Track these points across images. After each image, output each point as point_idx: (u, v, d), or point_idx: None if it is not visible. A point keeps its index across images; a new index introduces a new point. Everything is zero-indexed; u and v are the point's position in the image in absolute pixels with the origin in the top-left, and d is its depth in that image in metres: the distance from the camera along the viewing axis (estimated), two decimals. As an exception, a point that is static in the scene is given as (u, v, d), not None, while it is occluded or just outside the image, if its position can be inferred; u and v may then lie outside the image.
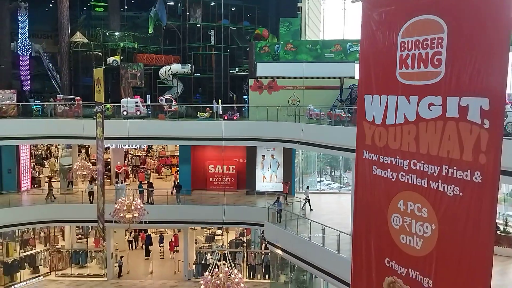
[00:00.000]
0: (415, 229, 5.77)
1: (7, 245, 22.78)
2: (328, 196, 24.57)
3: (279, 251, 18.75)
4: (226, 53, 29.87)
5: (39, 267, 23.57)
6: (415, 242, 5.78)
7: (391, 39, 5.95)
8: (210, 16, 31.58)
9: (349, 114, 19.78)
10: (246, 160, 25.47)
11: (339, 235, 15.76)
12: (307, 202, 21.01)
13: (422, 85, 5.57)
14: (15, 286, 22.34)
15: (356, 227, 6.92)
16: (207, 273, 10.59)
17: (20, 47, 33.45)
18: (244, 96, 29.20)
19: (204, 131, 23.41)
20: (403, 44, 5.80)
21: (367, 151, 6.50)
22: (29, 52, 34.25)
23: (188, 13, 30.77)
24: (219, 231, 25.83)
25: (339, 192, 25.29)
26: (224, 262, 10.77)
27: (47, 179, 24.74)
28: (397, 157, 5.96)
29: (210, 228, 25.81)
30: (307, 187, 22.19)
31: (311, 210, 21.05)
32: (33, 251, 23.53)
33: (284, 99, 23.83)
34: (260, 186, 24.84)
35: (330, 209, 22.04)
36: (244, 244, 24.66)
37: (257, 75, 25.05)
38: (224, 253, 10.74)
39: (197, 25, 31.32)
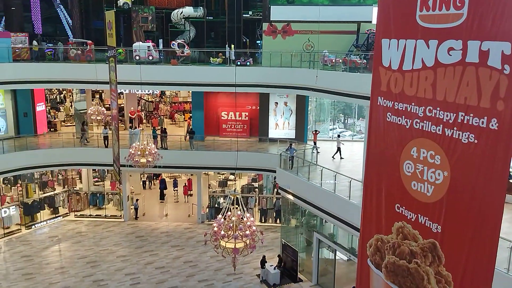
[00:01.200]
0: (426, 176, 5.79)
1: (26, 187, 23.56)
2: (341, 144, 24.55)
3: (290, 197, 19.09)
4: (239, -5, 28.91)
5: (59, 208, 24.47)
6: (426, 188, 5.82)
7: (413, -21, 5.67)
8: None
9: (365, 60, 19.31)
10: (258, 107, 25.37)
11: (350, 182, 15.90)
12: (338, 151, 21.15)
13: (443, 28, 5.36)
14: (36, 225, 23.33)
15: (368, 173, 6.95)
16: (220, 216, 10.87)
17: (30, -12, 32.84)
18: (258, 41, 28.58)
19: (217, 77, 23.18)
20: (425, -16, 5.52)
21: (382, 98, 6.40)
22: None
23: (200, -48, 29.53)
24: (231, 177, 26.29)
25: (352, 139, 25.24)
26: (237, 206, 11.02)
27: (81, 124, 24.80)
28: (412, 104, 5.86)
29: (223, 174, 26.27)
30: (338, 136, 22.25)
31: (341, 158, 21.17)
32: (52, 193, 24.33)
33: (298, 44, 23.29)
34: (273, 133, 24.88)
35: (343, 157, 22.10)
36: (256, 189, 25.14)
37: (271, 19, 24.36)
38: (237, 197, 10.96)
39: (210, -34, 30.14)
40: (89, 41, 25.22)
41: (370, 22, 23.39)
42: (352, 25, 23.25)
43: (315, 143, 22.01)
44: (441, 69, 5.41)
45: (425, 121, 5.72)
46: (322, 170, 17.49)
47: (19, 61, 23.10)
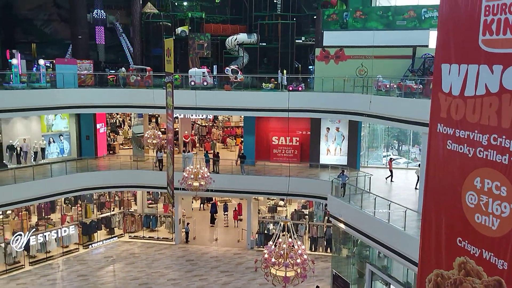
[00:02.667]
0: (491, 208, 5.43)
1: (85, 207, 24.61)
2: (395, 171, 23.71)
3: (342, 225, 18.58)
4: (292, 21, 29.29)
5: (114, 228, 25.28)
6: (491, 222, 5.44)
7: (475, 3, 5.47)
8: (277, -16, 31.05)
9: (421, 86, 18.74)
10: (310, 132, 25.22)
11: (405, 211, 15.26)
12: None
13: (508, 53, 5.09)
14: (93, 245, 24.19)
15: (427, 204, 6.62)
16: (270, 242, 10.72)
17: (95, 18, 35.06)
18: (310, 67, 28.67)
19: (269, 102, 23.37)
20: (487, 8, 5.31)
21: (442, 125, 6.13)
22: (104, 24, 35.85)
23: (255, -19, 30.41)
24: (281, 202, 26.09)
25: (407, 167, 24.37)
26: (287, 233, 10.83)
27: (154, 150, 25.67)
28: (476, 131, 5.56)
29: (273, 199, 26.13)
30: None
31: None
32: (109, 214, 25.22)
33: (351, 69, 23.08)
34: (324, 159, 24.55)
35: (396, 185, 21.36)
36: (307, 216, 24.73)
37: (323, 45, 24.39)
38: (288, 224, 10.79)
39: (263, -7, 30.93)
40: (148, 68, 26.38)
41: (427, 46, 22.81)
42: (407, 49, 22.78)
43: (391, 171, 21.49)
44: (507, 95, 5.12)
45: (489, 150, 5.39)
46: (375, 198, 16.93)
47: (84, 86, 24.51)
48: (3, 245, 20.83)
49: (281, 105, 22.72)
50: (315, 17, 28.71)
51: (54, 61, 25.56)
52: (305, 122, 25.04)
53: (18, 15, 41.08)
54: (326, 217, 22.99)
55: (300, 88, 23.66)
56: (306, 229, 23.88)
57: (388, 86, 20.32)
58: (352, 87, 21.88)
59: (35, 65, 26.37)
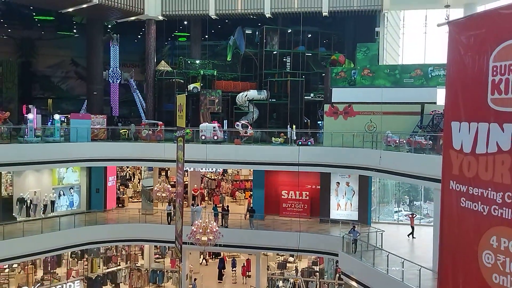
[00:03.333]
0: (509, 268, 5.30)
1: (91, 261, 24.25)
2: (407, 227, 23.31)
3: (353, 283, 18.02)
4: (301, 79, 30.07)
5: (120, 284, 24.72)
6: (510, 282, 5.29)
7: (482, 63, 5.64)
8: (286, 43, 32.16)
9: (430, 142, 18.83)
10: (320, 187, 25.11)
11: (420, 270, 14.83)
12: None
13: (518, 112, 5.18)
14: (98, 300, 23.58)
15: (442, 263, 6.47)
16: (280, 301, 10.42)
17: (111, 75, 36.32)
18: (319, 122, 29.04)
19: (278, 156, 23.53)
20: (495, 69, 5.47)
21: (455, 182, 6.13)
22: (118, 80, 37.07)
23: (265, 40, 31.57)
24: (291, 258, 25.50)
25: (419, 223, 23.93)
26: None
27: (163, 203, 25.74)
28: (489, 189, 5.54)
29: (283, 255, 25.57)
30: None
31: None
32: (115, 268, 24.78)
33: (360, 125, 23.33)
34: (334, 214, 24.27)
35: (410, 242, 20.91)
36: (317, 273, 24.07)
37: (332, 101, 24.87)
38: (298, 282, 10.52)
39: (274, 52, 31.98)
40: (160, 122, 26.92)
41: (435, 103, 23.15)
42: (416, 106, 23.10)
43: (412, 228, 21.12)
44: (519, 153, 5.14)
45: (504, 208, 5.34)
46: (388, 255, 16.53)
47: (96, 140, 24.97)
48: (6, 300, 20.41)
49: (291, 159, 22.86)
50: (323, 74, 29.50)
51: (69, 116, 26.22)
52: (315, 176, 25.01)
53: (37, 72, 42.78)
54: (338, 274, 22.35)
55: (309, 143, 23.86)
56: (316, 287, 23.14)
57: (397, 141, 20.43)
58: (361, 142, 22.02)
59: (50, 120, 27.09)
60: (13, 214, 23.04)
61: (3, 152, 20.57)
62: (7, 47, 40.48)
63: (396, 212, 25.06)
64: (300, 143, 23.70)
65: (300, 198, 25.49)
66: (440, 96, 23.19)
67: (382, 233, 19.54)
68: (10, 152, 20.89)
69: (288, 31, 32.25)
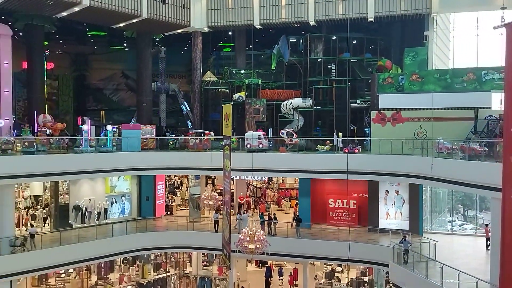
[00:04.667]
0: None
1: (142, 267, 24.91)
2: (462, 238, 22.37)
3: (405, 295, 17.44)
4: (347, 86, 29.70)
5: (169, 290, 25.25)
6: None
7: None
8: (331, 50, 31.92)
9: (486, 148, 17.98)
10: (368, 195, 24.58)
11: (476, 282, 14.11)
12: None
13: None
14: (148, 306, 24.16)
15: (504, 276, 6.14)
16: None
17: (159, 87, 37.48)
18: (366, 129, 28.53)
19: (325, 164, 23.27)
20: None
21: (517, 191, 5.81)
22: (166, 91, 38.18)
23: (309, 48, 31.49)
24: (339, 268, 25.06)
25: (475, 234, 22.85)
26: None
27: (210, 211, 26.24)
28: (557, 199, 5.21)
29: (330, 265, 25.18)
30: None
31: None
32: (164, 275, 25.31)
33: (409, 131, 22.68)
34: (383, 223, 23.64)
35: (465, 253, 20.00)
36: (366, 284, 23.48)
37: (379, 107, 24.37)
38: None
39: (318, 60, 31.83)
40: (207, 131, 27.40)
41: (489, 108, 22.17)
42: (469, 111, 22.19)
43: (488, 239, 20.22)
44: None
45: None
46: (442, 267, 15.87)
47: (146, 150, 25.73)
48: (63, 304, 21.32)
49: (337, 167, 22.55)
50: (370, 81, 28.99)
51: (120, 127, 27.24)
52: (362, 184, 24.52)
53: (90, 85, 44.88)
54: (388, 286, 21.71)
55: (356, 150, 23.46)
56: (366, 298, 22.60)
57: (449, 148, 19.67)
58: (411, 149, 21.38)
59: (103, 131, 28.25)
60: (69, 221, 24.15)
61: (60, 161, 21.64)
62: (63, 62, 42.76)
63: (449, 222, 24.06)
64: (346, 150, 23.33)
65: (348, 206, 25.05)
66: (494, 100, 22.18)
67: (435, 244, 18.81)
68: (66, 161, 21.94)
69: (333, 38, 32.02)
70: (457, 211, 25.14)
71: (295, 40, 33.56)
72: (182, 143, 26.94)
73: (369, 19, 28.09)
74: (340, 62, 31.50)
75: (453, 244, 21.17)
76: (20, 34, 33.56)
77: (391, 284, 19.78)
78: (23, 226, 23.42)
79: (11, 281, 19.31)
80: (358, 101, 29.95)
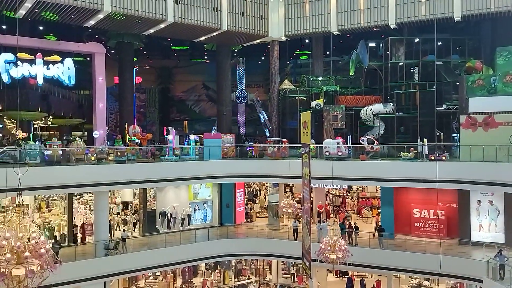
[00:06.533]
0: None
1: (224, 273, 25.48)
2: None
3: (503, 314, 16.02)
4: (431, 90, 28.21)
5: (250, 297, 25.54)
6: None
7: None
8: (413, 53, 30.59)
9: None
10: (457, 205, 23.04)
11: None
12: None
13: None
14: (229, 313, 24.64)
15: None
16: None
17: (238, 96, 38.44)
18: (453, 134, 26.85)
19: (409, 172, 22.27)
20: None
21: None
22: (245, 101, 39.03)
23: (389, 52, 30.46)
24: (426, 282, 23.69)
25: None
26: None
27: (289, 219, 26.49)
28: None
29: (416, 278, 23.89)
30: None
31: None
32: (245, 281, 25.66)
33: (504, 136, 20.93)
34: (476, 235, 22.00)
35: None
36: (457, 300, 21.95)
37: (469, 111, 22.81)
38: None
39: (400, 64, 30.64)
40: (284, 139, 27.49)
41: None
42: None
43: None
44: None
45: None
46: (547, 285, 14.38)
47: (226, 158, 26.43)
48: (152, 305, 22.42)
49: (422, 175, 21.48)
50: (457, 83, 27.28)
51: (202, 136, 28.27)
52: (451, 193, 23.05)
53: (174, 97, 47.33)
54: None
55: (443, 158, 22.14)
56: (457, 316, 21.10)
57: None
58: (507, 156, 19.74)
59: (186, 140, 29.53)
60: (156, 226, 25.45)
61: (148, 170, 22.93)
62: (150, 76, 45.65)
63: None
64: (433, 158, 22.11)
65: (435, 217, 23.67)
66: None
67: None
68: (153, 170, 23.19)
69: (415, 40, 30.69)
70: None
71: (374, 45, 32.65)
72: (261, 151, 27.27)
73: (455, 19, 26.50)
74: (424, 65, 30.07)
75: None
76: (112, 51, 36.35)
77: (486, 302, 18.26)
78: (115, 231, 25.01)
79: (104, 282, 20.66)
80: (444, 106, 28.30)
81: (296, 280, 25.96)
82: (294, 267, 26.48)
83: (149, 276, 24.62)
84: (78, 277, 19.41)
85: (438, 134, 27.63)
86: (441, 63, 30.27)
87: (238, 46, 35.68)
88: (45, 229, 23.71)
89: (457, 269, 19.78)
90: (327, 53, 34.63)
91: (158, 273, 24.67)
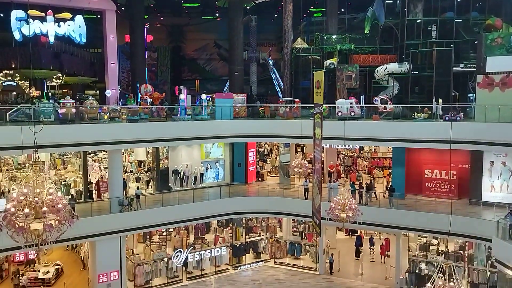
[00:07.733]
0: None
1: (235, 230, 26.07)
2: None
3: (510, 272, 16.24)
4: (449, 48, 27.45)
5: (261, 253, 26.17)
6: None
7: None
8: (432, 10, 29.56)
9: None
10: (470, 166, 22.93)
11: None
12: None
13: None
14: (241, 267, 25.36)
15: None
16: (429, 285, 9.90)
17: (250, 55, 37.86)
18: (469, 95, 26.37)
19: (422, 132, 22.04)
20: None
21: None
22: (257, 60, 38.49)
23: (407, 9, 29.47)
24: (434, 241, 23.99)
25: None
26: (442, 276, 9.89)
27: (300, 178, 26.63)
28: None
29: (425, 237, 24.19)
30: None
31: None
32: (256, 238, 26.27)
33: (521, 97, 20.52)
34: (487, 196, 22.00)
35: None
36: (466, 258, 22.23)
37: (487, 71, 22.23)
38: (447, 266, 9.87)
39: (417, 21, 29.71)
40: (297, 99, 27.27)
41: None
42: None
43: None
44: None
45: None
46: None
47: (237, 118, 26.41)
48: (165, 259, 23.15)
49: (436, 136, 21.28)
50: (476, 42, 26.48)
51: (214, 96, 28.16)
52: (463, 154, 22.90)
53: (185, 55, 46.85)
54: (490, 261, 20.38)
55: (458, 118, 21.83)
56: (464, 273, 21.44)
57: None
58: (523, 116, 19.38)
59: (198, 100, 29.47)
60: (169, 184, 25.90)
61: (160, 129, 23.05)
62: (161, 34, 45.06)
63: None
64: (447, 118, 21.82)
65: (447, 177, 23.65)
66: None
67: None
68: (166, 129, 23.31)
69: (434, -4, 29.62)
70: None
71: (391, 1, 31.59)
72: (272, 112, 27.15)
73: (476, -27, 25.42)
74: (442, 23, 29.13)
75: None
76: (123, 8, 35.75)
77: (493, 260, 18.52)
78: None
79: (120, 237, 21.34)
80: (461, 65, 27.63)
81: (305, 237, 26.48)
82: (302, 225, 26.94)
83: (163, 232, 25.31)
84: (95, 231, 20.08)
85: (454, 94, 27.16)
86: (460, 20, 29.30)
87: (250, 3, 34.80)
88: (62, 186, 24.33)
89: (467, 228, 19.92)
90: (342, 10, 33.71)
91: (171, 229, 25.33)
